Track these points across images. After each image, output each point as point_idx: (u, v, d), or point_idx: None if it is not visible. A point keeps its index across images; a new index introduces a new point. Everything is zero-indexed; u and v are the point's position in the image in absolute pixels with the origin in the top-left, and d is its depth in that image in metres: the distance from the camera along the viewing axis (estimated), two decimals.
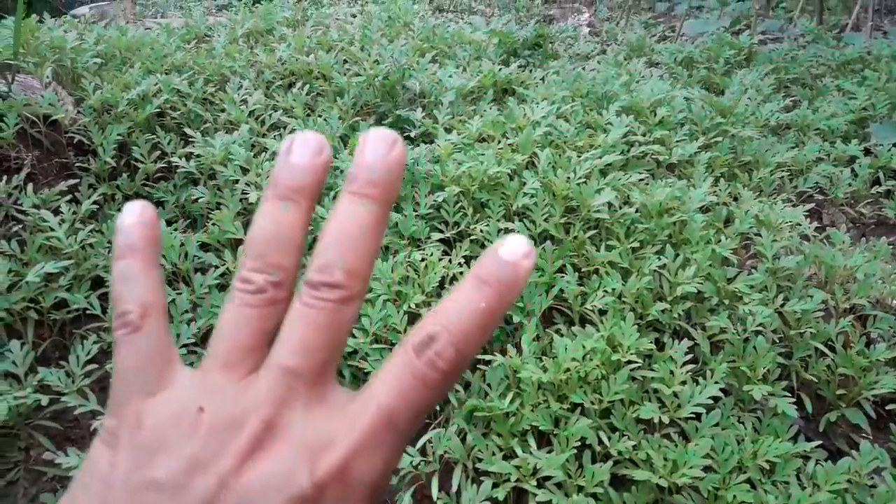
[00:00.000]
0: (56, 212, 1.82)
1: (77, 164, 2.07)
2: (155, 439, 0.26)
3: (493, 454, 1.29)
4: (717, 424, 1.31)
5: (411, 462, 1.33)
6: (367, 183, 0.29)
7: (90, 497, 0.26)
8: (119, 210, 1.96)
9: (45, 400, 1.42)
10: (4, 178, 1.86)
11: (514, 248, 0.29)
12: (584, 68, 2.95)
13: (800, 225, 1.92)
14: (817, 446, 1.34)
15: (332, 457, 0.26)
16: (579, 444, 1.27)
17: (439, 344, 0.27)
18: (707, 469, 1.23)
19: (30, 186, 1.86)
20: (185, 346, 1.52)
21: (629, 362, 1.38)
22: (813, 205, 2.24)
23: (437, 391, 0.27)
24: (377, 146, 0.30)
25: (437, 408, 1.45)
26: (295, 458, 0.26)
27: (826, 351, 1.55)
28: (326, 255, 0.29)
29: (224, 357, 0.29)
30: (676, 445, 1.25)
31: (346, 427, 0.27)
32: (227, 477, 0.25)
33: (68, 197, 1.91)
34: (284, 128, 2.30)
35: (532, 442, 1.31)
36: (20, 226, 1.79)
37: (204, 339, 1.60)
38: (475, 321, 0.28)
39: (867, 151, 2.48)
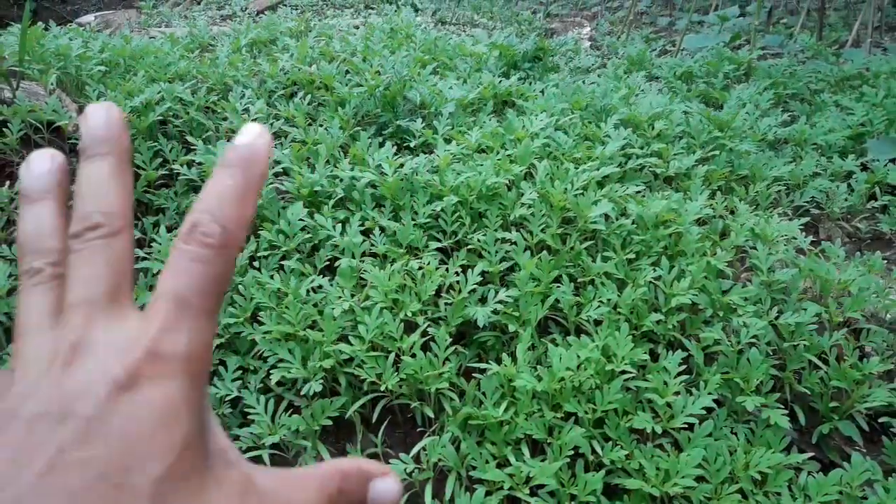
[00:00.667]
0: None
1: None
2: None
3: (487, 462, 1.29)
4: (709, 435, 1.32)
5: (405, 469, 1.34)
6: (94, 144, 0.33)
7: None
8: None
9: None
10: (7, 183, 1.88)
11: (249, 132, 0.34)
12: (584, 81, 2.98)
13: (795, 239, 1.93)
14: (810, 458, 1.35)
15: (138, 345, 0.29)
16: (573, 453, 1.28)
17: (203, 225, 0.31)
18: (699, 479, 1.24)
19: None
20: None
21: (623, 372, 1.39)
22: (809, 219, 2.26)
23: (217, 264, 0.31)
24: (95, 113, 0.34)
25: (432, 415, 1.46)
26: (105, 358, 0.29)
27: (819, 364, 1.55)
28: (83, 209, 0.32)
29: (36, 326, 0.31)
30: (669, 455, 1.26)
31: (146, 322, 0.30)
32: (49, 390, 0.28)
33: (70, 203, 1.92)
34: (286, 136, 2.32)
35: (526, 450, 1.32)
36: None
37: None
38: (229, 197, 0.32)
39: (864, 167, 2.50)
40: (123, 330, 0.30)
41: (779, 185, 2.26)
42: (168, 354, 0.29)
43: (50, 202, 0.34)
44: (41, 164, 0.35)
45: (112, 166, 0.33)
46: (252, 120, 2.32)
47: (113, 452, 0.26)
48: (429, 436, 1.44)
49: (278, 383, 1.53)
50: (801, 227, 1.96)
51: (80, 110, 2.28)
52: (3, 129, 1.98)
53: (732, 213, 2.07)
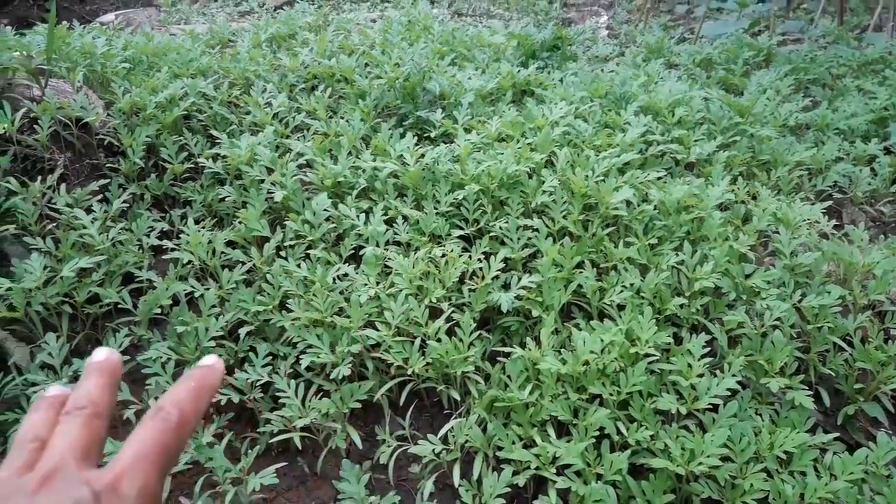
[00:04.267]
0: (88, 210, 1.89)
1: (107, 165, 2.13)
2: None
3: (514, 443, 1.31)
4: (734, 416, 1.33)
5: (433, 450, 1.36)
6: (94, 368, 0.47)
7: None
8: (148, 209, 2.01)
9: None
10: (39, 178, 1.92)
11: (208, 360, 0.48)
12: (602, 70, 2.98)
13: (818, 223, 1.93)
14: (835, 439, 1.36)
15: (105, 477, 0.38)
16: (598, 433, 1.30)
17: (165, 408, 0.43)
18: (724, 459, 1.25)
19: (63, 187, 1.92)
20: (213, 338, 1.57)
21: (647, 355, 1.41)
22: (832, 203, 2.25)
23: (175, 435, 0.42)
24: (100, 353, 0.48)
25: (458, 399, 1.49)
26: (75, 485, 0.37)
27: (844, 346, 1.56)
28: (76, 397, 0.44)
29: (9, 471, 0.41)
30: (694, 436, 1.27)
31: (109, 469, 0.39)
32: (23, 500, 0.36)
33: (99, 196, 1.97)
34: (308, 129, 2.35)
35: (551, 431, 1.34)
36: (54, 224, 1.86)
37: (231, 332, 1.65)
38: (187, 393, 0.45)
39: (887, 150, 2.48)
40: (89, 473, 0.38)
41: (801, 169, 2.25)
42: (124, 492, 0.37)
43: (53, 413, 0.45)
44: (57, 391, 0.47)
45: (101, 383, 0.46)
46: (274, 114, 2.36)
47: None
48: (455, 418, 1.46)
49: (308, 368, 1.56)
50: (824, 211, 1.95)
51: (107, 106, 2.33)
52: (34, 126, 2.03)
53: (754, 198, 2.07)
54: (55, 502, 0.36)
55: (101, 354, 0.48)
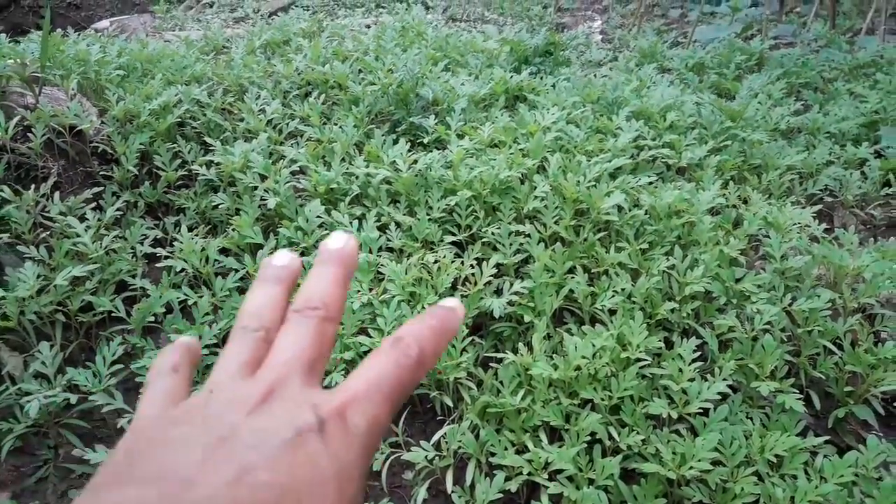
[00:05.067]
0: (82, 218, 1.89)
1: (101, 173, 2.13)
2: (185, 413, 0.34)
3: (506, 449, 1.32)
4: (725, 420, 1.34)
5: (426, 457, 1.37)
6: (330, 257, 0.41)
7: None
8: (142, 217, 2.02)
9: (73, 399, 1.48)
10: (33, 186, 1.92)
11: (450, 303, 0.41)
12: (595, 75, 2.99)
13: (809, 226, 1.94)
14: (826, 442, 1.36)
15: (332, 401, 0.33)
16: (590, 438, 1.31)
17: (405, 342, 0.37)
18: (715, 463, 1.26)
19: (56, 195, 1.93)
20: (207, 346, 1.57)
21: (638, 360, 1.41)
22: (822, 207, 2.26)
23: (411, 373, 0.36)
24: (338, 235, 0.43)
25: (451, 405, 1.49)
26: (299, 405, 0.33)
27: (834, 349, 1.57)
28: (308, 294, 0.39)
29: (231, 369, 0.37)
30: (685, 440, 1.28)
31: (339, 392, 0.34)
32: (239, 418, 0.32)
33: (93, 204, 1.97)
34: (301, 135, 2.36)
35: (543, 437, 1.34)
36: (48, 233, 1.86)
37: (225, 340, 1.65)
38: (430, 332, 0.39)
39: (878, 154, 2.49)
40: (314, 393, 0.34)
41: (792, 173, 2.26)
42: (352, 424, 0.33)
43: (280, 288, 0.41)
44: (282, 260, 0.43)
45: (338, 276, 0.41)
46: (268, 121, 2.36)
47: (293, 485, 0.29)
48: (448, 424, 1.47)
49: None
50: (815, 215, 1.96)
51: (101, 114, 2.33)
52: (28, 134, 2.03)
53: (745, 202, 2.08)
54: (274, 425, 0.31)
55: (339, 240, 0.42)
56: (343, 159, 2.12)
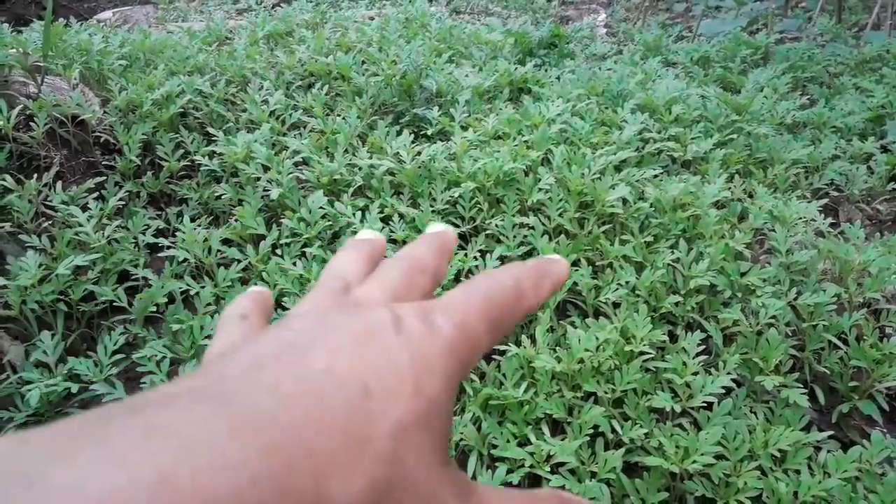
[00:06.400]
0: (84, 208, 1.88)
1: (103, 163, 2.13)
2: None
3: (508, 441, 1.31)
4: (729, 414, 1.33)
5: None
6: (430, 236, 0.41)
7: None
8: (144, 207, 2.01)
9: (74, 388, 1.48)
10: (35, 176, 1.92)
11: (553, 256, 0.39)
12: (599, 68, 2.98)
13: (814, 221, 1.93)
14: (830, 437, 1.36)
15: (413, 305, 0.31)
16: (592, 431, 1.30)
17: (512, 271, 0.35)
18: (718, 457, 1.25)
19: (59, 184, 1.92)
20: (208, 336, 1.57)
21: (642, 353, 1.41)
22: (828, 201, 2.25)
23: (514, 300, 0.34)
24: (437, 226, 0.42)
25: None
26: (374, 308, 0.31)
27: (839, 344, 1.56)
28: (404, 250, 0.39)
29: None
30: (688, 434, 1.27)
31: (430, 301, 0.33)
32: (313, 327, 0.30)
33: (95, 194, 1.97)
34: (304, 127, 2.35)
35: (546, 429, 1.34)
36: (50, 222, 1.86)
37: None
38: (536, 272, 0.36)
39: (884, 149, 2.48)
40: (395, 305, 0.32)
41: (797, 167, 2.25)
42: (435, 321, 0.30)
43: (364, 255, 0.40)
44: (369, 235, 0.43)
45: (431, 252, 0.39)
46: (271, 112, 2.35)
47: (359, 374, 0.27)
48: None
49: None
50: (821, 209, 1.95)
51: (104, 103, 2.32)
52: (30, 124, 2.03)
53: (751, 195, 2.07)
54: (342, 323, 0.29)
55: (438, 227, 0.42)
56: (346, 150, 2.11)
